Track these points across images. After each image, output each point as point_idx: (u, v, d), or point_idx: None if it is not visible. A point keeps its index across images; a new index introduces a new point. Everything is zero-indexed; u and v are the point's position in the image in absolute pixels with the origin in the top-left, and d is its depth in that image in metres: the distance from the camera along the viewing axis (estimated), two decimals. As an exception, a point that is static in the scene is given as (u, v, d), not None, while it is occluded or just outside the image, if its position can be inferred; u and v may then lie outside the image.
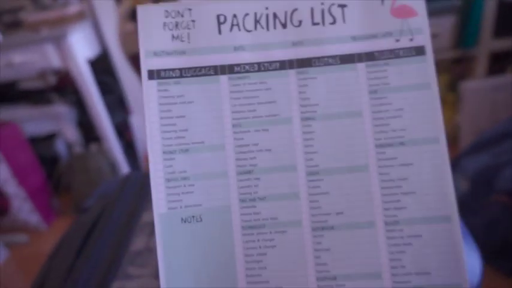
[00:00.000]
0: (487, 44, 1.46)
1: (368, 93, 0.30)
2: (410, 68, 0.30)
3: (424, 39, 0.30)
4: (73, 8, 1.46)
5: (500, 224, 1.06)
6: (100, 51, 1.59)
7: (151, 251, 0.51)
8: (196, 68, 0.31)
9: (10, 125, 1.52)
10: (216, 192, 0.30)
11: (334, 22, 0.31)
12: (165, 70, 0.30)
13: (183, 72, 0.31)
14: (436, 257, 0.29)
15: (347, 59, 0.31)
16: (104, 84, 1.57)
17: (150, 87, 0.30)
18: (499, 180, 1.09)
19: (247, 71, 0.31)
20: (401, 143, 0.30)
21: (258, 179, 0.30)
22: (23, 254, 1.52)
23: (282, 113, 0.31)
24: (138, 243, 0.53)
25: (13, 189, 1.48)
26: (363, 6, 0.31)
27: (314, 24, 0.31)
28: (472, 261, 0.41)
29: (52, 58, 1.37)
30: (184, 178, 0.30)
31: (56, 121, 1.63)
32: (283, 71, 0.31)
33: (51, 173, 1.67)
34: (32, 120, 1.61)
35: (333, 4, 0.31)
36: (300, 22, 0.31)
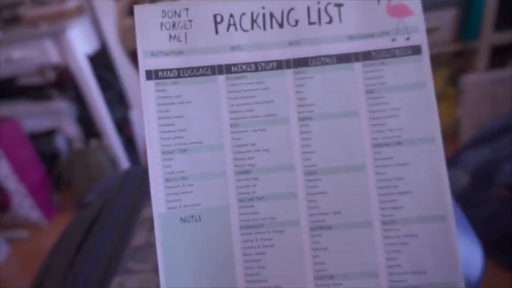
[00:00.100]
0: (488, 37, 1.45)
1: (365, 93, 0.30)
2: (406, 67, 0.30)
3: (420, 38, 0.30)
4: (72, 3, 1.45)
5: (501, 218, 1.07)
6: (99, 46, 1.59)
7: (151, 246, 0.51)
8: (193, 68, 0.31)
9: (10, 121, 1.52)
10: (214, 192, 0.30)
11: (330, 21, 0.31)
12: (162, 70, 0.30)
13: (180, 72, 0.31)
14: (431, 256, 0.29)
15: (344, 58, 0.31)
16: (104, 79, 1.56)
17: (148, 87, 0.30)
18: (500, 175, 1.09)
19: (245, 71, 0.31)
20: (398, 143, 0.30)
21: (256, 178, 0.30)
22: (24, 249, 1.52)
23: (280, 113, 0.31)
24: (138, 238, 0.53)
25: (14, 186, 1.48)
26: (359, 6, 0.30)
27: (310, 23, 0.31)
28: (473, 255, 0.41)
29: (51, 53, 1.37)
30: (183, 178, 0.30)
31: (56, 117, 1.62)
32: (280, 71, 0.31)
33: (52, 169, 1.68)
34: (31, 116, 1.61)
35: (329, 3, 0.30)
36: (297, 22, 0.31)
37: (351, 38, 0.31)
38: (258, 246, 0.30)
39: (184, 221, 0.30)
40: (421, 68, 0.30)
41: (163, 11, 0.30)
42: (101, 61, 1.57)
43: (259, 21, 0.31)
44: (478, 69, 1.52)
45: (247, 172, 0.30)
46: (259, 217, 0.30)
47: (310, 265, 0.30)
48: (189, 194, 0.30)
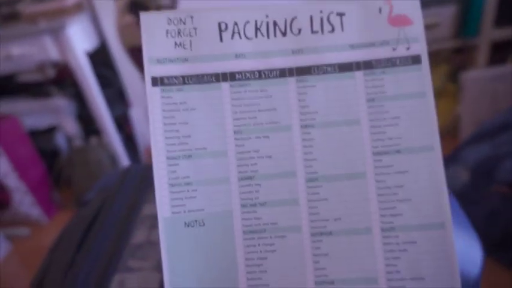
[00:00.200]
0: (488, 33, 1.45)
1: (366, 102, 0.31)
2: (406, 76, 0.31)
3: (420, 48, 0.31)
4: (71, 0, 1.45)
5: (501, 215, 1.07)
6: (99, 43, 1.58)
7: (152, 244, 0.51)
8: (198, 75, 0.31)
9: (10, 118, 1.52)
10: (218, 198, 0.31)
11: (332, 30, 0.31)
12: (168, 77, 0.31)
13: (185, 80, 0.31)
14: (430, 263, 0.30)
15: (345, 67, 0.31)
16: (103, 77, 1.56)
17: (154, 94, 0.31)
18: (500, 171, 1.09)
19: (248, 79, 0.31)
20: (398, 151, 0.31)
21: (258, 184, 0.31)
22: (25, 247, 1.52)
23: (282, 121, 0.31)
24: (138, 236, 0.53)
25: (14, 183, 1.48)
26: (361, 15, 0.31)
27: (313, 32, 0.31)
28: (473, 252, 0.41)
29: (50, 50, 1.37)
30: (188, 183, 0.31)
31: (56, 114, 1.62)
32: (283, 79, 0.31)
33: (52, 166, 1.68)
34: (31, 114, 1.61)
35: (331, 12, 0.31)
36: (300, 30, 0.31)
37: (352, 47, 0.31)
38: (260, 251, 0.31)
39: (188, 226, 0.31)
40: (421, 78, 0.31)
41: (169, 18, 0.31)
42: (100, 58, 1.57)
43: (263, 29, 0.31)
44: (478, 65, 1.52)
45: (250, 178, 0.31)
46: (262, 222, 0.31)
47: (311, 270, 0.31)
48: (193, 199, 0.31)
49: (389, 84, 0.31)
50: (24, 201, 1.54)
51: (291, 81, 0.31)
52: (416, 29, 0.31)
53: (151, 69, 0.31)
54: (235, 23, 0.31)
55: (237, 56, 0.31)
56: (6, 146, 1.43)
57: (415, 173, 0.30)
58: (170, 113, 0.31)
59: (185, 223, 0.31)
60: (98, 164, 1.57)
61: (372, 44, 0.31)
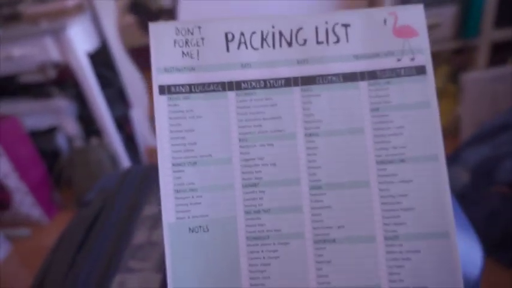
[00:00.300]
0: (488, 34, 1.45)
1: (370, 111, 0.31)
2: (411, 87, 0.31)
3: (424, 59, 0.31)
4: (72, 1, 1.45)
5: (501, 216, 1.07)
6: (99, 44, 1.58)
7: (152, 244, 0.51)
8: (205, 84, 0.32)
9: (10, 118, 1.52)
10: (222, 204, 0.31)
11: (337, 41, 0.31)
12: (175, 86, 0.32)
13: (192, 88, 0.32)
14: (433, 272, 0.30)
15: (350, 77, 0.32)
16: (104, 77, 1.56)
17: (161, 102, 0.31)
18: (500, 172, 1.09)
19: (254, 88, 0.32)
20: (402, 160, 0.31)
21: (262, 192, 0.31)
22: (25, 247, 1.52)
23: (287, 129, 0.32)
24: (139, 236, 0.53)
25: (14, 183, 1.48)
26: (366, 26, 0.31)
27: (318, 43, 0.32)
28: (473, 253, 0.41)
29: (51, 51, 1.37)
30: (193, 190, 0.31)
31: (56, 115, 1.62)
32: (288, 88, 0.32)
33: (52, 166, 1.68)
34: (32, 114, 1.61)
35: (336, 23, 0.31)
36: (305, 41, 0.32)
37: (357, 57, 0.31)
38: (264, 257, 0.31)
39: (192, 231, 0.31)
40: (426, 88, 0.31)
41: (176, 28, 0.32)
42: (101, 59, 1.57)
43: (269, 39, 0.32)
44: (478, 66, 1.52)
45: (254, 185, 0.31)
46: (265, 229, 0.31)
47: (314, 277, 0.31)
48: (198, 205, 0.31)
49: (394, 94, 0.31)
50: (24, 202, 1.54)
51: (296, 90, 0.32)
52: (421, 40, 0.31)
53: (159, 78, 0.31)
54: (242, 33, 0.32)
55: (243, 65, 0.32)
56: (7, 146, 1.44)
57: (419, 182, 0.30)
58: (177, 120, 0.31)
59: (189, 229, 0.31)
60: (99, 165, 1.57)
61: (376, 55, 0.31)
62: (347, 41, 0.31)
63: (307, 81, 0.32)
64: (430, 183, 0.30)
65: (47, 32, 1.34)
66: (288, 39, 0.32)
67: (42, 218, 1.60)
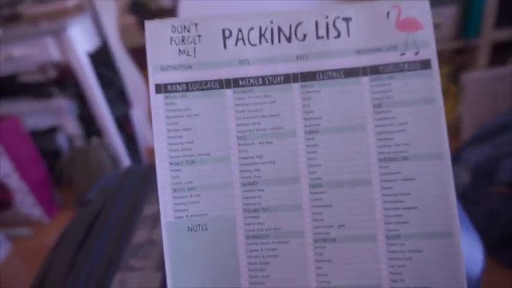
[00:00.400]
0: (489, 34, 1.45)
1: (372, 107, 0.30)
2: (415, 82, 0.30)
3: (429, 52, 0.30)
4: (72, 1, 1.45)
5: (501, 216, 1.07)
6: (100, 44, 1.59)
7: (153, 243, 0.51)
8: (202, 81, 0.31)
9: (11, 118, 1.52)
10: (221, 203, 0.31)
11: (338, 36, 0.30)
12: (171, 84, 0.31)
13: (189, 86, 0.31)
14: (436, 272, 0.29)
15: (351, 72, 0.30)
16: (104, 77, 1.56)
17: (158, 100, 0.31)
18: (500, 172, 1.09)
19: (252, 85, 0.31)
20: (405, 158, 0.30)
21: (261, 190, 0.31)
22: (26, 247, 1.52)
23: (286, 126, 0.31)
24: (139, 235, 0.53)
25: (15, 183, 1.49)
26: (368, 20, 0.30)
27: (318, 38, 0.31)
28: (474, 252, 0.41)
29: (52, 51, 1.37)
30: (191, 188, 0.31)
31: (57, 115, 1.63)
32: (287, 85, 0.31)
33: (53, 166, 1.68)
34: (32, 114, 1.61)
35: (337, 17, 0.30)
36: (305, 36, 0.31)
37: (358, 52, 0.30)
38: (263, 256, 0.31)
39: (191, 230, 0.31)
40: (431, 83, 0.30)
41: (173, 26, 0.31)
42: (101, 59, 1.57)
43: (267, 35, 0.31)
44: (479, 66, 1.52)
45: (253, 184, 0.31)
46: (264, 228, 0.31)
47: (314, 276, 0.31)
48: (196, 204, 0.31)
49: (397, 89, 0.30)
50: (25, 202, 1.54)
51: (295, 86, 0.31)
52: (426, 33, 0.30)
53: (155, 76, 0.31)
54: (240, 30, 0.31)
55: (241, 62, 0.31)
56: (7, 146, 1.44)
57: (423, 181, 0.29)
58: (174, 119, 0.31)
59: (188, 227, 0.31)
60: (99, 164, 1.57)
61: (378, 49, 0.30)
62: (348, 35, 0.30)
63: (307, 77, 0.31)
64: (434, 182, 0.29)
65: (47, 32, 1.34)
66: (287, 35, 0.31)
67: (42, 217, 1.60)
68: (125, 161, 1.67)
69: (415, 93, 0.30)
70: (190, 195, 0.31)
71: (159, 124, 0.31)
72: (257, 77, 0.31)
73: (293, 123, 0.31)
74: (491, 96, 1.46)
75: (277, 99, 0.31)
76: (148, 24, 0.31)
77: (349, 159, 0.30)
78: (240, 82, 0.31)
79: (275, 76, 0.31)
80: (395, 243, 0.30)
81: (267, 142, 0.31)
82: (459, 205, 0.45)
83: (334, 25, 0.30)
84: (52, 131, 1.69)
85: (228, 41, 0.31)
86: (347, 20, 0.30)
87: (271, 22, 0.31)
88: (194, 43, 0.31)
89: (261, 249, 0.31)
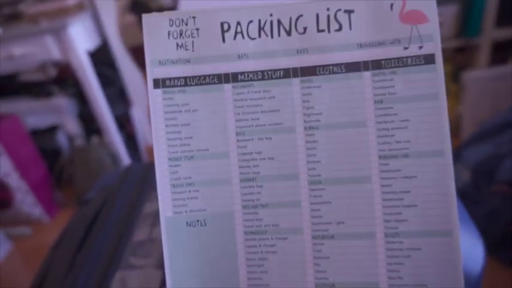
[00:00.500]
0: (489, 33, 1.45)
1: (373, 103, 0.30)
2: (418, 77, 0.29)
3: (434, 46, 0.29)
4: (72, 0, 1.45)
5: (501, 214, 1.07)
6: (100, 43, 1.59)
7: (153, 241, 0.51)
8: (200, 76, 0.31)
9: (11, 117, 1.52)
10: (219, 198, 0.31)
11: (340, 29, 0.29)
12: (170, 79, 0.31)
13: (187, 81, 0.31)
14: (434, 270, 0.29)
15: (352, 67, 0.30)
16: (105, 76, 1.56)
17: (156, 95, 0.31)
18: (500, 170, 1.09)
19: (251, 79, 0.31)
20: (406, 155, 0.29)
21: (260, 186, 0.31)
22: (26, 246, 1.53)
23: (286, 122, 0.30)
24: (140, 234, 0.53)
25: (15, 182, 1.49)
26: (371, 12, 0.29)
27: (319, 31, 0.30)
28: (475, 250, 0.41)
29: (52, 50, 1.37)
30: (189, 184, 0.31)
31: (57, 114, 1.63)
32: (287, 80, 0.30)
33: (53, 165, 1.68)
34: (33, 113, 1.61)
35: (339, 10, 0.29)
36: (305, 29, 0.30)
37: (360, 46, 0.29)
38: (261, 252, 0.31)
39: (190, 226, 0.31)
40: (434, 79, 0.29)
41: (170, 19, 0.30)
42: (101, 57, 1.57)
43: (267, 28, 0.30)
44: (480, 65, 1.52)
45: (252, 180, 0.31)
46: (263, 224, 0.31)
47: (312, 273, 0.31)
48: (195, 199, 0.31)
49: (400, 85, 0.29)
50: (25, 201, 1.54)
51: (295, 81, 0.30)
52: (431, 26, 0.28)
53: (153, 71, 0.30)
54: (238, 23, 0.30)
55: (240, 56, 0.30)
56: (7, 145, 1.44)
57: (423, 179, 0.29)
58: (172, 114, 0.31)
59: (187, 223, 0.31)
60: (99, 163, 1.58)
61: (381, 43, 0.29)
62: (350, 28, 0.29)
63: (307, 72, 0.30)
64: (435, 180, 0.29)
65: (47, 31, 1.34)
66: (287, 28, 0.30)
67: (43, 216, 1.60)
68: (125, 159, 1.67)
69: (418, 89, 0.29)
70: (189, 191, 0.31)
71: (158, 119, 0.31)
72: (256, 72, 0.30)
73: (293, 119, 0.30)
74: (491, 95, 1.45)
75: (276, 95, 0.30)
76: (146, 18, 0.30)
77: (349, 156, 0.30)
78: (239, 77, 0.31)
79: (274, 71, 0.30)
80: (394, 241, 0.30)
81: (266, 138, 0.31)
82: (460, 203, 0.45)
83: (335, 18, 0.29)
84: (52, 130, 1.69)
85: (226, 35, 0.30)
86: (349, 12, 0.29)
87: (271, 15, 0.30)
88: (192, 37, 0.30)
89: (260, 246, 0.31)
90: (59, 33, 1.35)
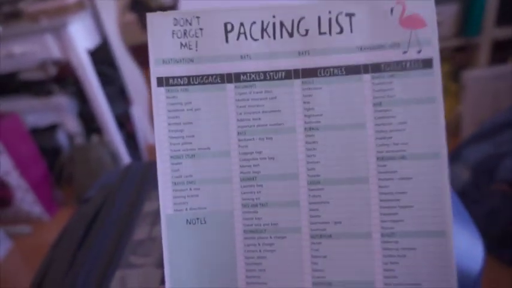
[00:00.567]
0: (490, 32, 1.45)
1: (372, 105, 0.30)
2: (416, 81, 0.30)
3: (432, 51, 0.29)
4: (72, -2, 1.45)
5: (501, 213, 1.07)
6: (100, 41, 1.58)
7: (153, 240, 0.51)
8: (203, 76, 0.31)
9: (11, 116, 1.52)
10: (220, 197, 0.31)
11: (341, 32, 0.30)
12: (173, 77, 0.31)
13: (190, 80, 0.31)
14: (428, 269, 0.30)
15: (353, 70, 0.30)
16: (105, 75, 1.56)
17: (159, 94, 0.31)
18: (500, 170, 1.09)
19: (253, 80, 0.31)
20: (403, 157, 0.30)
21: (260, 185, 0.31)
22: (26, 244, 1.53)
23: (286, 122, 0.31)
24: (140, 232, 0.53)
25: (15, 181, 1.49)
26: (372, 16, 0.30)
27: (321, 33, 0.30)
28: (474, 249, 0.41)
29: (52, 49, 1.37)
30: (190, 182, 0.31)
31: (57, 112, 1.63)
32: (288, 81, 0.31)
33: (53, 164, 1.68)
34: (33, 112, 1.61)
35: (340, 13, 0.30)
36: (307, 31, 0.30)
37: (361, 49, 0.30)
38: (260, 251, 0.31)
39: (190, 223, 0.31)
40: (432, 83, 0.29)
41: (175, 19, 0.31)
42: (101, 56, 1.57)
43: (269, 30, 0.31)
44: (480, 64, 1.52)
45: (252, 179, 0.31)
46: (262, 223, 0.31)
47: (309, 271, 0.31)
48: (196, 197, 0.31)
49: (398, 88, 0.30)
50: (25, 199, 1.54)
51: (297, 83, 0.31)
52: (430, 31, 0.29)
53: (157, 70, 0.31)
54: (242, 24, 0.31)
55: (242, 57, 0.31)
56: (7, 143, 1.44)
57: (419, 180, 0.30)
58: (175, 113, 0.31)
59: (187, 220, 0.31)
60: (99, 162, 1.58)
61: (381, 46, 0.30)
62: (351, 31, 0.30)
63: (308, 73, 0.31)
64: (430, 182, 0.30)
65: (47, 30, 1.34)
66: (289, 30, 0.30)
67: (43, 215, 1.60)
68: (125, 158, 1.67)
69: (416, 92, 0.30)
70: (190, 189, 0.31)
71: (160, 117, 0.31)
72: (258, 72, 0.31)
73: (293, 119, 0.31)
74: (491, 95, 1.45)
75: (278, 95, 0.31)
76: (151, 17, 0.31)
77: (347, 157, 0.31)
78: (242, 77, 0.31)
79: (276, 71, 0.31)
80: (390, 240, 0.30)
81: (266, 138, 0.31)
82: (460, 202, 0.45)
83: (337, 21, 0.30)
84: (52, 128, 1.69)
85: (229, 35, 0.31)
86: (350, 15, 0.30)
87: (274, 16, 0.30)
88: (196, 36, 0.31)
89: (258, 244, 0.31)
90: (59, 32, 1.35)
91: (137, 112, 1.77)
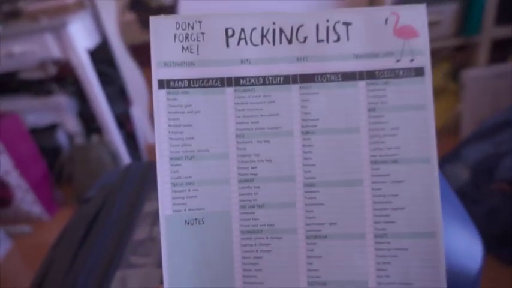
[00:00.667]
0: (489, 31, 1.45)
1: (367, 111, 0.31)
2: (409, 88, 0.31)
3: (424, 60, 0.31)
4: (72, -2, 1.45)
5: (501, 213, 1.07)
6: (100, 41, 1.58)
7: (153, 240, 0.51)
8: (204, 79, 0.32)
9: (11, 115, 1.52)
10: (218, 198, 0.32)
11: (338, 40, 0.31)
12: (174, 80, 0.32)
13: (191, 83, 0.32)
14: (419, 269, 0.31)
15: (348, 76, 0.32)
16: (104, 74, 1.56)
17: (160, 96, 0.32)
18: (500, 169, 1.09)
19: (253, 84, 0.32)
20: (395, 161, 0.31)
21: (257, 187, 0.32)
22: (26, 244, 1.53)
23: (284, 126, 0.32)
24: (140, 233, 0.53)
25: (15, 180, 1.49)
26: (367, 25, 0.31)
27: (319, 41, 0.31)
28: (473, 248, 0.42)
29: (52, 48, 1.37)
30: (189, 183, 0.32)
31: (57, 112, 1.62)
32: (286, 85, 0.32)
33: (53, 164, 1.68)
34: (32, 111, 1.61)
35: (337, 22, 0.31)
36: (305, 38, 0.31)
37: (356, 56, 0.31)
38: (257, 251, 0.32)
39: (188, 224, 0.32)
40: (423, 90, 0.31)
41: (177, 23, 0.31)
42: (101, 56, 1.57)
43: (269, 36, 0.32)
44: (479, 63, 1.52)
45: (249, 181, 0.32)
46: (259, 223, 0.32)
47: (304, 271, 0.32)
48: (194, 198, 0.32)
49: (391, 94, 0.31)
50: (25, 199, 1.54)
51: (295, 88, 0.32)
52: (422, 41, 0.31)
53: (158, 72, 0.32)
54: (242, 29, 0.31)
55: (243, 61, 0.32)
56: (7, 143, 1.44)
57: (411, 183, 0.31)
58: (175, 115, 0.32)
59: (185, 221, 0.32)
60: (99, 162, 1.58)
61: (376, 55, 0.31)
62: (347, 39, 0.31)
63: (306, 79, 0.32)
64: (421, 185, 0.31)
65: (47, 29, 1.34)
66: (288, 36, 0.31)
67: (43, 215, 1.60)
68: (125, 158, 1.67)
69: (408, 99, 0.31)
70: (189, 190, 0.32)
71: (161, 119, 0.31)
72: (258, 77, 0.32)
73: (291, 123, 0.32)
74: (491, 94, 1.46)
75: (276, 99, 0.32)
76: (153, 20, 0.31)
77: (342, 161, 0.32)
78: (241, 81, 0.32)
79: (275, 76, 0.32)
80: (382, 241, 0.31)
81: (264, 141, 0.32)
82: (459, 202, 0.45)
83: (334, 29, 0.31)
84: (52, 128, 1.69)
85: (230, 40, 0.32)
86: (347, 24, 0.31)
87: (274, 23, 0.31)
88: (197, 40, 0.32)
89: (255, 244, 0.32)
90: (58, 31, 1.35)
91: (137, 112, 1.77)
